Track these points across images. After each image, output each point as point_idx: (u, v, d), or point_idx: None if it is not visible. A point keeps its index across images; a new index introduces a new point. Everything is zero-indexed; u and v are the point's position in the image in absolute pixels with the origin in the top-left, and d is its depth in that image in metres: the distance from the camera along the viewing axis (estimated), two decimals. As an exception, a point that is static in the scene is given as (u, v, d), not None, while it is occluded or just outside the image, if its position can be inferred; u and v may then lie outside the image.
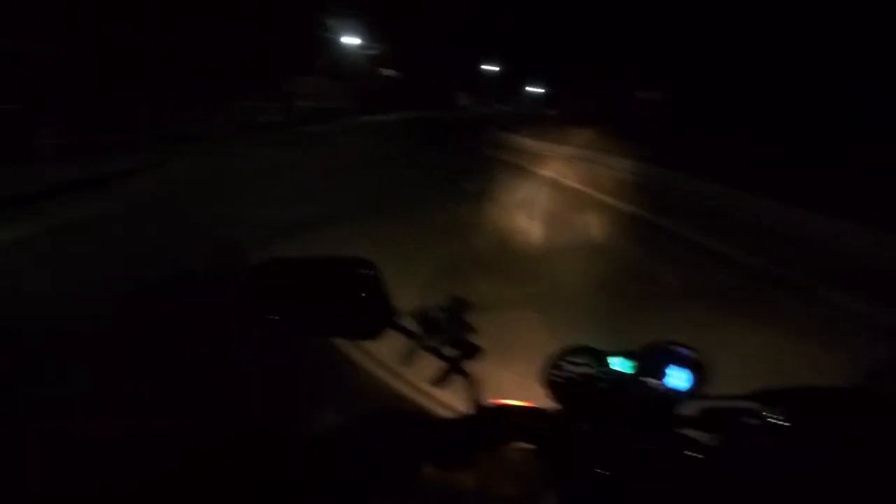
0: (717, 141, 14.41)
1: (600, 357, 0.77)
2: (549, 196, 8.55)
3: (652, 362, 0.75)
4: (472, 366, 0.79)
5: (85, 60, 13.81)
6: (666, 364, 0.74)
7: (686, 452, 0.69)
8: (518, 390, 0.82)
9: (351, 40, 21.91)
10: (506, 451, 0.69)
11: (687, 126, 17.45)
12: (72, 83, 12.97)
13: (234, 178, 8.96)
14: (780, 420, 0.68)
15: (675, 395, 0.74)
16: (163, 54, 15.70)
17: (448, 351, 0.79)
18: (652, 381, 0.74)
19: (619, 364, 0.76)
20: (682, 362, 0.74)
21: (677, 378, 0.74)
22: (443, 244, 5.03)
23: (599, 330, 3.04)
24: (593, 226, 6.39)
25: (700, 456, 0.68)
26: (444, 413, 0.84)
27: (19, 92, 11.65)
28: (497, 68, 39.11)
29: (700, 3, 18.08)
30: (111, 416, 2.19)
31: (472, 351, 0.80)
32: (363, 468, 0.68)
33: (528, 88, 45.27)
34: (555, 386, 0.77)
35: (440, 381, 0.80)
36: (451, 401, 0.86)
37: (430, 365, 0.81)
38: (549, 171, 10.88)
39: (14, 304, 3.50)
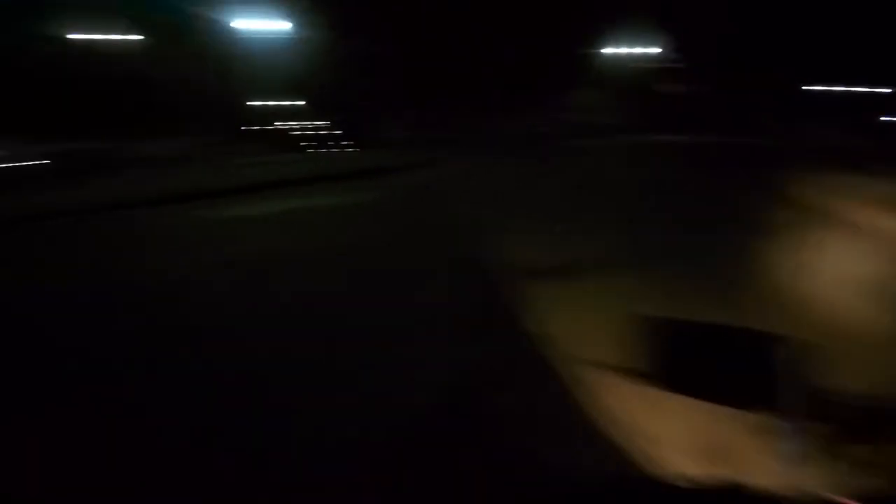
0: None
1: None
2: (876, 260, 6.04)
3: None
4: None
5: (406, 65, 16.31)
6: None
7: None
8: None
9: (633, 51, 20.15)
10: None
11: None
12: (398, 85, 15.71)
13: (498, 183, 9.80)
14: None
15: None
16: (468, 68, 17.45)
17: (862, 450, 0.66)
18: None
19: None
20: None
21: None
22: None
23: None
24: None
25: None
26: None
27: (371, 90, 14.73)
28: (842, 88, 30.99)
29: None
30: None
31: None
32: None
33: (888, 118, 34.60)
34: None
35: (801, 462, 0.67)
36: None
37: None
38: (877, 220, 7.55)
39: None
